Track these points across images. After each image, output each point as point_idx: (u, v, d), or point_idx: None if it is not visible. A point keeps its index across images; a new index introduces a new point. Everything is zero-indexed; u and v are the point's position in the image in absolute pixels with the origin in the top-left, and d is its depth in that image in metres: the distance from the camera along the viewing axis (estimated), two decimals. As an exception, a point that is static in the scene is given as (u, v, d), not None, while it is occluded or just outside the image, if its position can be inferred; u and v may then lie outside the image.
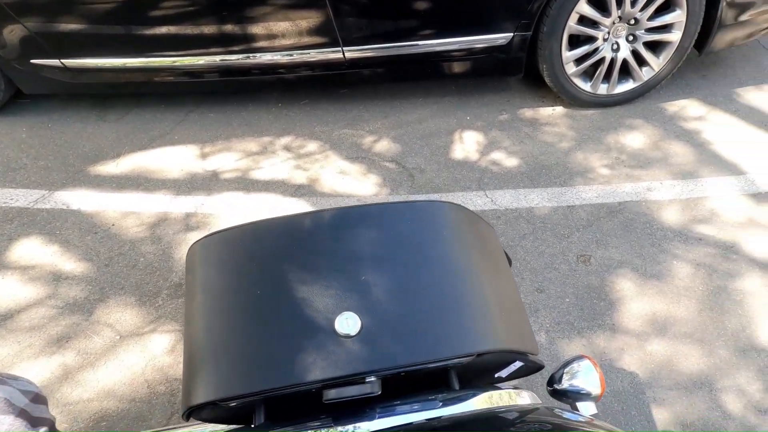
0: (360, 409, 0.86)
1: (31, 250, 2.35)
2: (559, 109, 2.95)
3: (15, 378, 0.89)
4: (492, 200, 2.47)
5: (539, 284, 2.15)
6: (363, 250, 0.82)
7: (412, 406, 0.84)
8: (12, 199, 2.56)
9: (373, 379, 0.80)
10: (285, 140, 2.82)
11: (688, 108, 2.96)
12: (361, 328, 0.84)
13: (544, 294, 2.12)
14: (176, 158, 2.76)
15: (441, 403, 0.87)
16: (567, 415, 0.96)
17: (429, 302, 0.82)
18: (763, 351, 1.99)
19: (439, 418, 0.82)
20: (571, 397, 1.10)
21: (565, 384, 1.10)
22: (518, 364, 1.00)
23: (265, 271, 0.82)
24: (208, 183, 2.63)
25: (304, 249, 0.83)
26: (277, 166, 2.68)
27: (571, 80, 2.80)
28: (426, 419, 0.84)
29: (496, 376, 1.04)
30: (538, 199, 2.48)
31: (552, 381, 1.12)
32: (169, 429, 1.13)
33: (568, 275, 2.18)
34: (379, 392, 0.83)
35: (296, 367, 0.83)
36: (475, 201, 2.47)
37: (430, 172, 2.61)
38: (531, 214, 2.41)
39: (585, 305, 2.09)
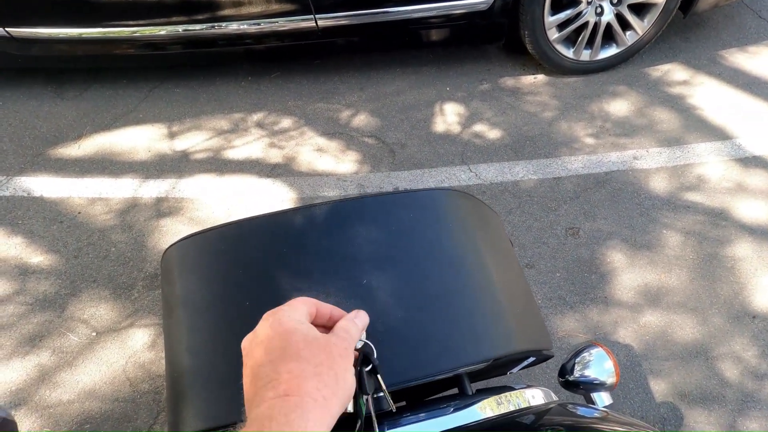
0: (366, 425, 0.78)
1: (-10, 243, 2.19)
2: (541, 77, 2.86)
3: None
4: (476, 174, 2.39)
5: (529, 260, 2.09)
6: (361, 250, 0.72)
7: (419, 417, 0.76)
8: None
9: (381, 394, 0.72)
10: (257, 116, 2.68)
11: (672, 72, 2.90)
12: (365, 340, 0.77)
13: (535, 269, 2.07)
14: (143, 138, 2.59)
15: (452, 410, 0.79)
16: (581, 410, 0.90)
17: (438, 307, 0.73)
18: (756, 316, 1.98)
19: (454, 429, 0.75)
20: (585, 388, 1.04)
21: (577, 375, 1.04)
22: (531, 359, 0.93)
23: (251, 278, 0.71)
24: (178, 164, 2.48)
25: (294, 251, 0.73)
26: (251, 144, 2.54)
27: (554, 46, 2.71)
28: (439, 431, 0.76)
29: (508, 373, 0.97)
30: (523, 171, 2.41)
31: (563, 372, 1.06)
32: None
33: (557, 249, 2.13)
34: (391, 409, 0.75)
35: None
36: (459, 176, 2.38)
37: (412, 147, 2.51)
38: (517, 187, 2.34)
39: (576, 279, 2.04)
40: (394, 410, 0.74)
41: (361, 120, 2.64)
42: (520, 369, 0.97)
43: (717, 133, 2.60)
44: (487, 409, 0.79)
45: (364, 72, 2.87)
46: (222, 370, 0.69)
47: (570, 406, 0.91)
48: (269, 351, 0.46)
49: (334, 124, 2.63)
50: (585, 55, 2.79)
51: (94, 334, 1.93)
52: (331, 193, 2.29)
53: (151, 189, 2.38)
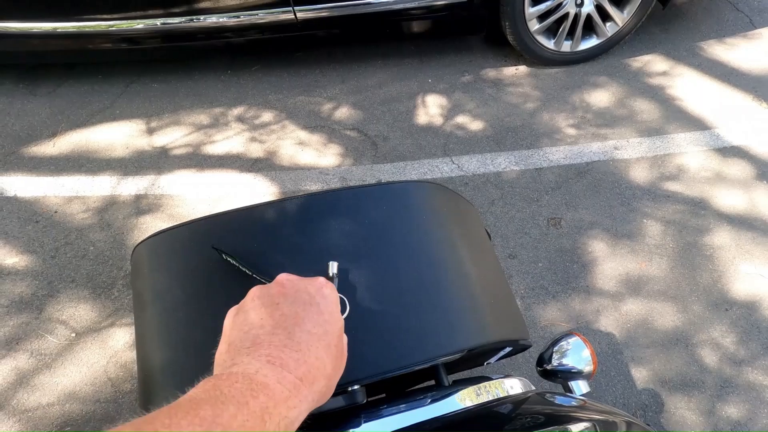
0: (342, 418, 0.77)
1: (-36, 244, 2.14)
2: (523, 69, 2.86)
3: None
4: (459, 166, 2.39)
5: (511, 250, 2.10)
6: (336, 243, 0.71)
7: (399, 408, 0.76)
8: None
9: (356, 387, 0.71)
10: (237, 110, 2.64)
11: (652, 63, 2.92)
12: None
13: (517, 260, 2.07)
14: (120, 135, 2.55)
15: (430, 401, 0.79)
16: (559, 399, 0.90)
17: (412, 299, 0.73)
18: (734, 304, 2.01)
19: (432, 420, 0.74)
20: (562, 376, 1.04)
21: (555, 363, 1.04)
22: (507, 349, 0.94)
23: (222, 274, 0.70)
24: (157, 161, 2.44)
25: (266, 246, 0.72)
26: (231, 139, 2.52)
27: (534, 38, 2.71)
28: (417, 422, 0.76)
29: (485, 363, 0.98)
30: (505, 163, 2.41)
31: (541, 361, 1.06)
32: None
33: (539, 239, 2.14)
34: (364, 401, 0.74)
35: None
36: (441, 168, 2.38)
37: (394, 140, 2.50)
38: (499, 178, 2.34)
39: (558, 269, 2.06)
40: (365, 401, 0.74)
41: (343, 113, 2.62)
42: (498, 359, 0.98)
43: (696, 124, 2.62)
44: (465, 399, 0.79)
45: (345, 64, 2.85)
46: (193, 366, 0.68)
47: (548, 395, 0.92)
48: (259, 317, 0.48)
49: (315, 118, 2.61)
50: (566, 47, 2.80)
51: (74, 335, 1.90)
52: (314, 186, 2.27)
53: (129, 186, 2.34)
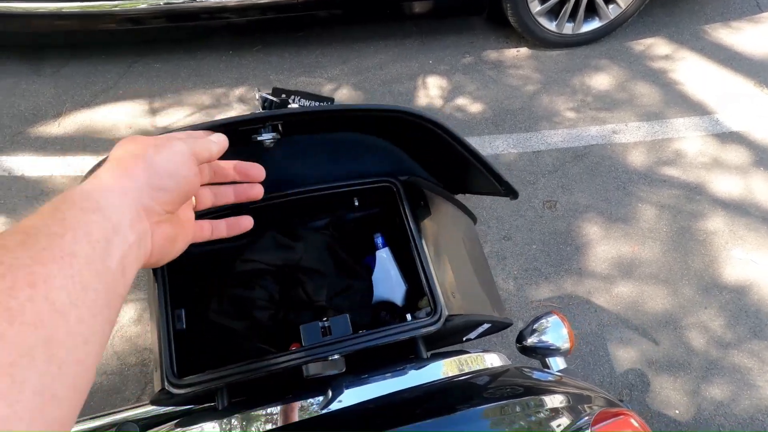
0: (327, 385, 0.82)
1: (-27, 219, 2.20)
2: (524, 51, 2.86)
3: None
4: (458, 148, 2.41)
5: (506, 232, 2.14)
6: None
7: (382, 377, 0.81)
8: None
9: (336, 356, 0.76)
10: (239, 91, 2.67)
11: (655, 46, 2.91)
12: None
13: (511, 241, 2.11)
14: (123, 115, 2.58)
15: (410, 371, 0.84)
16: (536, 374, 0.95)
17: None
18: (725, 288, 2.04)
19: (410, 388, 0.79)
20: (541, 353, 1.09)
21: (534, 340, 1.09)
22: (486, 326, 0.98)
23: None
24: (160, 140, 2.47)
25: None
26: (233, 119, 2.54)
27: (536, 19, 2.70)
28: (397, 390, 0.81)
29: (464, 339, 1.02)
30: (503, 145, 2.43)
31: (521, 338, 1.11)
32: (139, 406, 1.09)
33: (534, 222, 2.17)
34: (343, 369, 0.79)
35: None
36: (440, 150, 2.40)
37: (394, 121, 2.52)
38: (496, 161, 2.36)
39: (552, 251, 2.09)
40: (344, 370, 0.79)
41: (343, 93, 2.64)
42: (478, 336, 1.02)
43: (696, 108, 2.63)
44: (447, 370, 0.84)
45: (346, 45, 2.86)
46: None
47: (526, 369, 0.96)
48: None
49: (316, 99, 2.63)
50: (568, 29, 2.79)
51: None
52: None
53: (133, 164, 2.38)
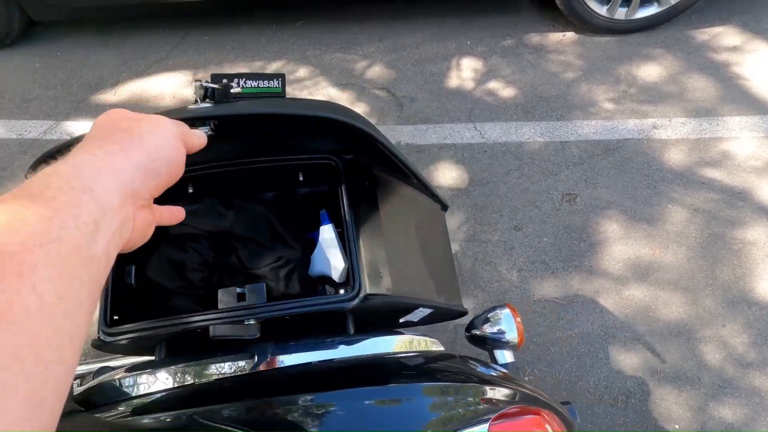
0: (253, 348, 0.86)
1: (24, 169, 2.39)
2: (570, 36, 2.72)
3: None
4: (480, 133, 2.35)
5: (518, 222, 2.07)
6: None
7: (311, 347, 0.84)
8: (26, 131, 2.56)
9: (251, 322, 0.80)
10: (276, 65, 2.72)
11: (723, 36, 2.68)
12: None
13: (522, 232, 2.05)
14: (170, 85, 2.71)
15: (340, 347, 0.86)
16: (480, 368, 0.93)
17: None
18: (755, 304, 1.88)
19: (343, 359, 0.82)
20: (489, 344, 1.07)
21: (484, 331, 1.07)
22: (426, 311, 0.97)
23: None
24: (196, 107, 2.58)
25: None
26: (265, 91, 2.60)
27: (585, 2, 2.56)
28: (322, 360, 0.83)
29: (402, 320, 1.01)
30: (530, 133, 2.35)
31: (471, 327, 1.09)
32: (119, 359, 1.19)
33: (549, 214, 2.09)
34: (257, 335, 0.82)
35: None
36: (462, 133, 2.35)
37: (421, 102, 2.49)
38: (520, 149, 2.29)
39: (563, 245, 2.01)
40: (258, 335, 0.81)
41: (376, 72, 2.63)
42: (421, 322, 1.01)
43: (757, 107, 2.41)
44: (369, 346, 0.85)
45: (385, 22, 2.83)
46: None
47: (471, 362, 0.95)
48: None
49: (348, 75, 2.64)
50: (620, 14, 2.62)
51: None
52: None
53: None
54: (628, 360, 1.80)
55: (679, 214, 2.09)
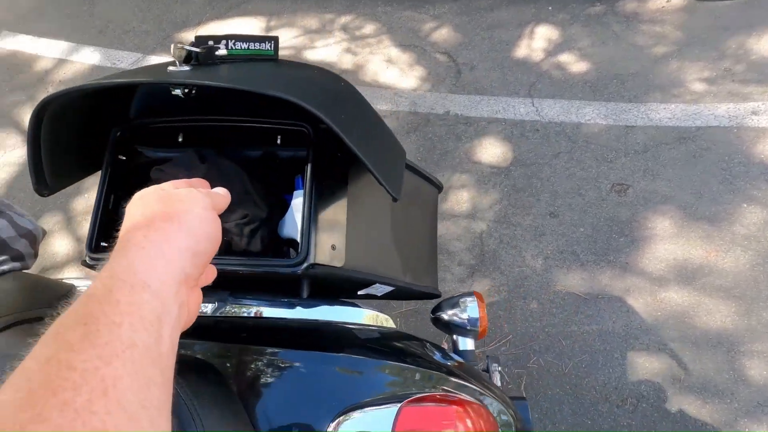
0: (213, 294, 0.96)
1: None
2: (677, 2, 2.41)
3: (11, 207, 0.93)
4: (537, 110, 2.22)
5: (555, 208, 1.97)
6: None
7: (267, 303, 0.92)
8: (119, 60, 2.87)
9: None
10: (345, 19, 2.74)
11: None
12: None
13: (557, 219, 1.95)
14: (243, 29, 2.82)
15: (297, 308, 0.92)
16: (437, 355, 0.94)
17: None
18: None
19: (297, 320, 0.89)
20: (453, 329, 1.09)
21: (447, 315, 1.09)
22: (384, 287, 0.99)
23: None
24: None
25: None
26: (330, 47, 2.65)
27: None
28: (272, 317, 0.90)
29: (361, 292, 1.04)
30: (592, 114, 2.18)
31: (438, 309, 1.11)
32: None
33: (592, 203, 1.96)
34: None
35: None
36: (517, 109, 2.24)
37: (481, 70, 2.39)
38: (576, 131, 2.14)
39: (600, 238, 1.89)
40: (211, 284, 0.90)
41: (442, 34, 2.56)
42: (385, 297, 1.04)
43: None
44: (322, 313, 0.92)
45: (464, -19, 2.72)
46: None
47: (428, 346, 0.97)
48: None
49: (413, 36, 2.59)
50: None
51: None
52: (383, 107, 2.33)
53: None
54: (647, 364, 1.69)
55: (754, 216, 1.86)
